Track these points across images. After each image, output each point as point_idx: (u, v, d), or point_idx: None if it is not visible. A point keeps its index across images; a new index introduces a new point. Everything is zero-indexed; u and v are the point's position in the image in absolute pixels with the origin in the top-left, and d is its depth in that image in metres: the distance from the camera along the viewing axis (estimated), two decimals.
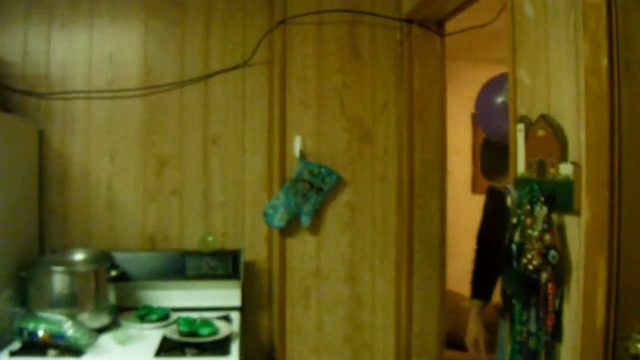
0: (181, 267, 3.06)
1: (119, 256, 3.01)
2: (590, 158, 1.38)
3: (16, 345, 2.54)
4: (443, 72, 3.26)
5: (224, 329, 2.72)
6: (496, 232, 1.77)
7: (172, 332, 2.67)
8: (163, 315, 2.91)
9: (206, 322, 2.71)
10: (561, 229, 1.48)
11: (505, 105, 2.03)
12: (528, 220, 1.48)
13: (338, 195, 3.20)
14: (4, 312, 2.62)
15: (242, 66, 3.20)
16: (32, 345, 2.51)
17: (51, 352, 2.49)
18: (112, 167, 3.18)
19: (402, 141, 3.22)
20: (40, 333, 2.50)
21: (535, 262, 1.43)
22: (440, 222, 3.24)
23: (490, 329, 4.32)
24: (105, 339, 2.66)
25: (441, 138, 3.24)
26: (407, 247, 3.18)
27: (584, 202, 1.39)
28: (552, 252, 1.41)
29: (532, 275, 1.45)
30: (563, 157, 1.46)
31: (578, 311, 1.40)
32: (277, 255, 3.20)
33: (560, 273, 1.45)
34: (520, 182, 1.63)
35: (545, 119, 1.55)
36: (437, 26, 3.21)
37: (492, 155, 2.54)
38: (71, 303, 2.70)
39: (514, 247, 1.49)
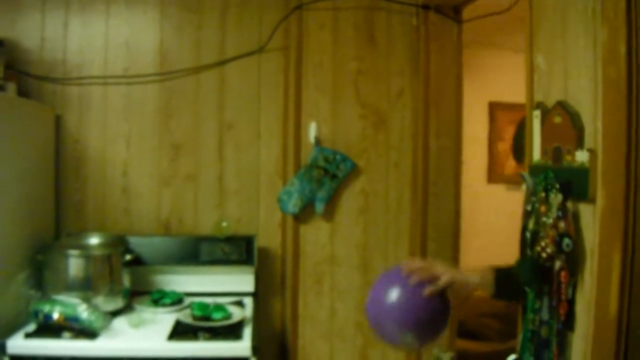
0: (195, 252, 3.07)
1: (134, 241, 3.03)
2: (606, 145, 1.37)
3: (31, 327, 2.56)
4: (460, 59, 3.23)
5: (237, 313, 2.73)
6: None
7: (185, 316, 2.69)
8: (177, 300, 2.93)
9: (219, 307, 2.73)
10: (576, 217, 1.47)
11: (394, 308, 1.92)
12: (543, 208, 1.47)
13: (352, 182, 3.19)
14: (19, 294, 2.64)
15: (258, 52, 3.20)
16: (47, 327, 2.53)
17: (66, 334, 2.51)
18: (127, 153, 3.19)
19: (417, 129, 3.19)
20: (55, 316, 2.52)
21: (549, 250, 1.42)
22: (454, 211, 3.22)
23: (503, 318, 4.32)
24: (119, 322, 2.68)
25: (457, 126, 3.22)
26: (420, 235, 3.17)
27: (600, 190, 1.37)
28: (566, 240, 1.40)
29: (545, 263, 1.44)
30: (579, 144, 1.45)
31: (591, 300, 1.39)
32: (290, 242, 3.20)
33: (574, 261, 1.44)
34: (535, 169, 1.62)
35: (562, 105, 1.54)
36: (454, 12, 3.18)
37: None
38: (86, 286, 2.72)
39: (528, 234, 1.49)
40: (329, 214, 3.18)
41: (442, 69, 3.18)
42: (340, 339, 3.21)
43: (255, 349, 2.47)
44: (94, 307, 2.56)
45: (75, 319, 2.51)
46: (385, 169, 3.22)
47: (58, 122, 3.12)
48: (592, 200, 1.40)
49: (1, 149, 2.50)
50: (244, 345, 2.48)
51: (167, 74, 3.18)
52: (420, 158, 3.17)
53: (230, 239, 3.09)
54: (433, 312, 1.83)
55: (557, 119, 1.54)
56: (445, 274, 1.86)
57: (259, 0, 3.22)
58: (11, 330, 2.51)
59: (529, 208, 1.50)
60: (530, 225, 1.49)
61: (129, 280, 2.92)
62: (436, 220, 3.19)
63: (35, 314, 2.55)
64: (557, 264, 1.43)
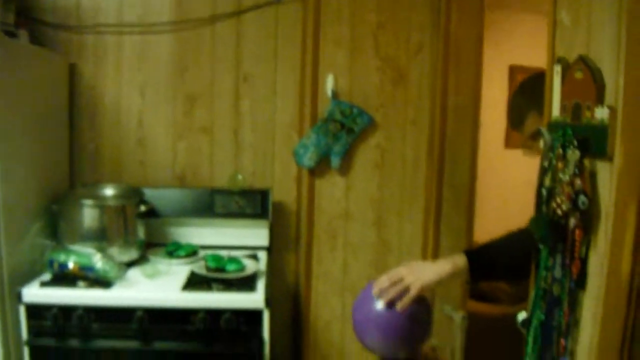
0: (210, 205, 3.07)
1: (149, 192, 3.04)
2: (627, 102, 1.34)
3: (47, 276, 2.59)
4: (481, 18, 3.15)
5: (250, 266, 2.75)
6: None
7: (199, 268, 2.71)
8: (191, 252, 2.95)
9: (233, 260, 2.74)
10: (593, 176, 1.45)
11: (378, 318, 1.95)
12: (559, 165, 1.45)
13: (369, 137, 3.17)
14: (34, 244, 2.66)
15: (276, 3, 3.15)
16: (62, 276, 2.56)
17: (81, 283, 2.54)
18: (142, 103, 3.17)
19: (435, 86, 3.15)
20: (70, 265, 2.54)
21: (564, 207, 1.41)
22: (470, 172, 3.18)
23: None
24: (134, 273, 2.71)
25: (475, 86, 3.16)
26: (436, 194, 3.15)
27: (618, 147, 1.35)
28: (582, 198, 1.38)
29: (560, 220, 1.43)
30: (599, 101, 1.42)
31: (604, 260, 1.37)
32: (305, 196, 3.20)
33: (589, 220, 1.42)
34: (554, 126, 1.59)
35: (583, 60, 1.51)
36: None
37: (521, 100, 2.46)
38: (100, 237, 2.74)
39: (544, 191, 1.47)
40: (345, 169, 3.17)
41: (462, 27, 3.11)
42: (353, 295, 3.21)
43: (269, 301, 2.49)
44: (108, 257, 2.58)
45: (90, 269, 2.53)
46: (402, 125, 3.19)
47: (72, 70, 3.11)
48: (610, 158, 1.37)
49: (14, 97, 2.50)
50: (257, 297, 2.50)
51: (182, 23, 3.14)
52: (437, 116, 3.14)
53: (245, 192, 3.08)
54: (412, 323, 1.91)
55: (578, 75, 1.51)
56: (413, 284, 1.91)
57: None
58: (27, 279, 2.54)
59: (545, 164, 1.48)
60: (547, 181, 1.47)
61: (144, 231, 2.94)
62: (452, 180, 3.17)
63: (51, 263, 2.58)
64: (572, 222, 1.42)
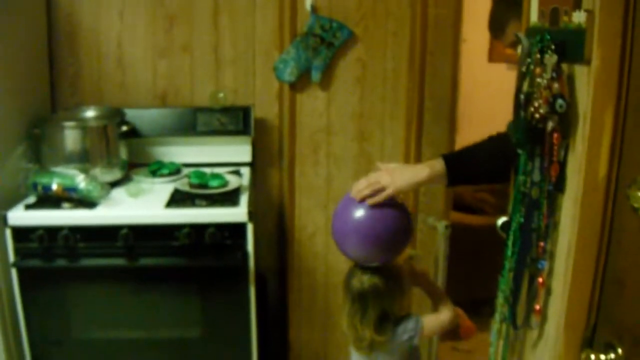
0: (192, 124, 3.07)
1: (130, 113, 3.03)
2: (604, 5, 1.33)
3: (31, 199, 2.61)
4: None
5: (233, 181, 2.77)
6: None
7: (182, 185, 2.73)
8: (174, 170, 2.96)
9: (216, 176, 2.76)
10: (570, 80, 1.45)
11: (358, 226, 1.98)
12: (537, 70, 1.44)
13: (349, 51, 3.13)
14: (17, 168, 2.67)
15: None
16: (47, 198, 2.58)
17: (65, 204, 2.56)
18: (121, 25, 3.12)
19: None
20: (54, 187, 2.55)
21: (542, 111, 1.41)
22: (452, 82, 3.18)
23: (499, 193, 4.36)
24: (118, 192, 2.73)
25: None
26: (417, 105, 3.15)
27: (595, 50, 1.34)
28: (560, 101, 1.39)
29: (538, 124, 1.43)
30: (577, 5, 1.41)
31: (582, 162, 1.38)
32: (287, 112, 3.18)
33: (567, 123, 1.43)
34: (532, 31, 1.58)
35: None
36: None
37: (502, 9, 2.44)
38: (83, 158, 2.75)
39: (521, 96, 1.47)
40: (326, 83, 3.14)
41: None
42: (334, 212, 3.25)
43: (252, 214, 2.52)
44: (92, 178, 2.59)
45: (74, 189, 2.54)
46: (383, 38, 3.15)
47: None
48: (588, 62, 1.37)
49: None
50: (240, 211, 2.53)
51: None
52: (418, 27, 3.10)
53: (226, 110, 3.07)
54: (389, 229, 1.95)
55: None
56: (389, 185, 1.92)
57: None
58: (11, 203, 2.56)
59: (523, 69, 1.47)
60: (525, 87, 1.47)
61: (127, 152, 2.95)
62: (433, 92, 3.17)
63: (34, 186, 2.58)
64: (550, 125, 1.42)
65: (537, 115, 1.44)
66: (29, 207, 2.54)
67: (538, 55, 1.46)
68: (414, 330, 2.05)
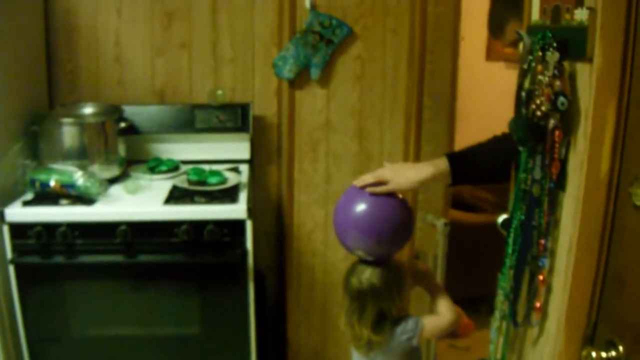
0: (191, 121, 3.06)
1: (129, 109, 3.02)
2: (606, 2, 1.33)
3: (29, 196, 2.60)
4: None
5: (232, 178, 2.77)
6: None
7: (181, 182, 2.73)
8: (173, 167, 2.96)
9: (215, 172, 2.76)
10: (572, 77, 1.44)
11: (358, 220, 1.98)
12: (539, 67, 1.44)
13: (348, 48, 3.12)
14: (15, 165, 2.66)
15: None
16: (45, 195, 2.57)
17: (63, 201, 2.56)
18: (119, 21, 3.11)
19: None
20: (52, 183, 2.55)
21: (543, 108, 1.41)
22: (451, 80, 3.18)
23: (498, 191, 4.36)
24: (116, 189, 2.72)
25: None
26: (416, 102, 3.15)
27: (597, 47, 1.34)
28: (562, 99, 1.38)
29: (539, 121, 1.43)
30: (579, 2, 1.41)
31: (583, 159, 1.38)
32: (286, 109, 3.17)
33: (569, 121, 1.43)
34: (533, 29, 1.58)
35: None
36: None
37: (501, 8, 2.44)
38: (81, 155, 2.74)
39: (523, 93, 1.46)
40: (325, 80, 3.13)
41: None
42: (335, 204, 3.24)
43: (251, 211, 2.52)
44: (90, 174, 2.58)
45: (72, 186, 2.54)
46: (382, 35, 3.14)
47: None
48: (590, 60, 1.37)
49: None
50: (239, 207, 2.53)
51: None
52: (417, 24, 3.10)
53: (225, 107, 3.07)
54: (391, 222, 1.95)
55: None
56: (391, 182, 1.93)
57: None
58: (9, 199, 2.56)
59: (525, 67, 1.47)
60: (526, 84, 1.46)
61: (125, 148, 2.94)
62: (432, 87, 3.16)
63: (32, 182, 2.58)
64: (551, 123, 1.42)
65: (538, 113, 1.44)
66: (26, 203, 2.53)
67: (540, 53, 1.45)
68: (413, 331, 2.04)
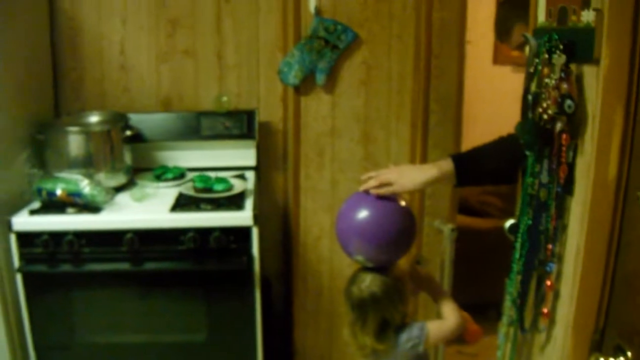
0: (196, 128, 3.06)
1: (134, 117, 3.02)
2: (613, 4, 1.32)
3: (35, 204, 2.60)
4: None
5: (238, 185, 2.76)
6: None
7: (187, 189, 2.72)
8: (179, 174, 2.96)
9: (221, 179, 2.76)
10: (579, 80, 1.43)
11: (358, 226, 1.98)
12: (545, 70, 1.43)
13: (354, 53, 3.12)
14: (22, 173, 2.66)
15: None
16: (51, 204, 2.57)
17: (70, 209, 2.56)
18: (124, 30, 3.12)
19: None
20: (59, 192, 2.55)
21: (550, 111, 1.40)
22: (457, 84, 3.17)
23: (506, 196, 4.35)
24: (122, 197, 2.73)
25: (461, 0, 3.12)
26: (422, 107, 3.14)
27: (604, 50, 1.33)
28: (568, 102, 1.37)
29: (546, 125, 1.42)
30: (585, 4, 1.40)
31: (591, 163, 1.37)
32: (292, 115, 3.17)
33: (576, 124, 1.42)
34: (539, 31, 1.57)
35: None
36: None
37: (507, 12, 2.43)
38: (87, 163, 2.74)
39: (529, 97, 1.46)
40: (330, 85, 3.13)
41: None
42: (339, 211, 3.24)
43: (257, 218, 2.51)
44: (96, 182, 2.58)
45: (78, 194, 2.54)
46: (387, 40, 3.13)
47: (51, 1, 3.04)
48: (597, 62, 1.36)
49: None
50: (245, 214, 2.52)
51: None
52: (423, 29, 3.09)
53: (231, 114, 3.06)
54: (394, 229, 1.95)
55: None
56: (395, 184, 1.93)
57: None
58: (16, 208, 2.56)
59: (531, 70, 1.47)
60: (533, 87, 1.46)
61: (131, 156, 2.94)
62: (439, 92, 3.15)
63: (39, 191, 2.58)
64: (558, 126, 1.41)
65: (545, 116, 1.43)
66: (33, 212, 2.53)
67: (546, 56, 1.44)
68: (418, 337, 2.02)
